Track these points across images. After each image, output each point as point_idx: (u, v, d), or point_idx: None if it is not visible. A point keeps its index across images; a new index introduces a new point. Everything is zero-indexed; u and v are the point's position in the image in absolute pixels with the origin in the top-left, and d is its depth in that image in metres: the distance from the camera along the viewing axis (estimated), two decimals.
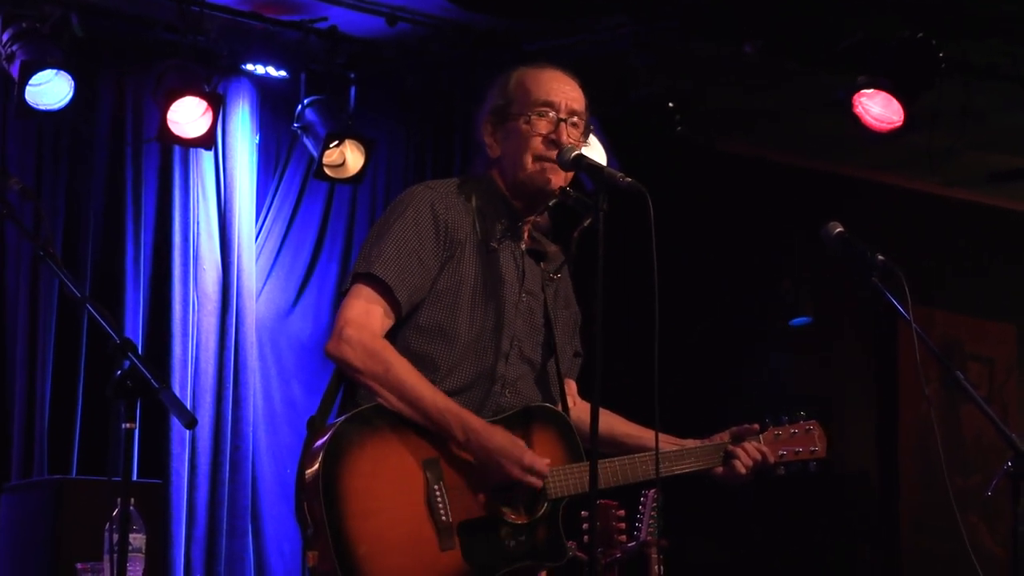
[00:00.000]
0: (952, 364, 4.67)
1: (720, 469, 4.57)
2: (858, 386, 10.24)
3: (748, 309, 9.48)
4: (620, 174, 4.10)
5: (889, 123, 7.41)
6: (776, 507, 9.27)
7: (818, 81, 7.86)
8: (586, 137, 4.40)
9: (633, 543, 5.44)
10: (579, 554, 4.94)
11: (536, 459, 4.15)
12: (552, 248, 4.49)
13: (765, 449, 4.59)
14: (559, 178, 4.32)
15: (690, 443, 4.56)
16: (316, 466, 4.03)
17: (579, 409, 4.48)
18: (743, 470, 4.55)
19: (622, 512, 5.41)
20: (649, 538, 5.42)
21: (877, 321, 10.01)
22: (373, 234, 4.29)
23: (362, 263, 4.23)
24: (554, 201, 4.37)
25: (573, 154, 4.25)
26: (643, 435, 4.52)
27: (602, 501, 5.25)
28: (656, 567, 5.44)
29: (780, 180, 9.63)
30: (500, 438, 4.14)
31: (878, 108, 7.42)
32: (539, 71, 4.41)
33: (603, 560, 5.39)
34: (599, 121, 7.53)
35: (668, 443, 4.45)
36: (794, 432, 4.68)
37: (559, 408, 4.38)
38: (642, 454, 4.41)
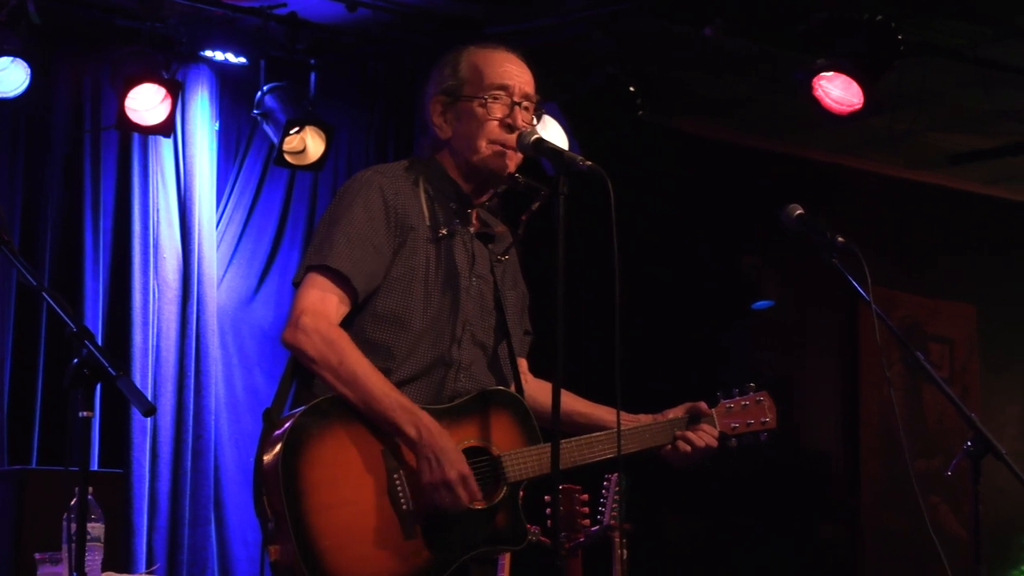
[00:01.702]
0: (913, 345, 4.68)
1: (669, 447, 4.57)
2: (821, 368, 10.28)
3: (711, 291, 9.50)
4: (580, 158, 4.10)
5: (849, 106, 7.41)
6: (740, 487, 9.29)
7: (780, 63, 7.86)
8: (538, 120, 4.40)
9: (596, 527, 5.44)
10: (543, 539, 4.95)
11: (474, 482, 4.12)
12: (500, 229, 4.48)
13: (715, 432, 4.60)
14: (513, 162, 4.32)
15: (644, 418, 4.56)
16: (275, 459, 4.01)
17: (531, 387, 4.50)
18: (688, 449, 4.55)
19: (585, 496, 5.42)
20: (612, 522, 5.42)
21: (841, 303, 10.04)
22: (325, 222, 4.28)
23: (315, 254, 4.22)
24: (504, 187, 4.37)
25: (533, 138, 4.25)
26: (597, 413, 4.53)
27: (565, 485, 5.25)
28: (620, 551, 5.44)
29: (742, 162, 9.64)
30: (450, 443, 4.12)
31: (838, 91, 7.42)
32: (491, 52, 4.40)
33: (566, 545, 5.39)
34: (560, 104, 7.53)
35: (623, 419, 4.45)
36: (745, 404, 4.70)
37: (513, 390, 4.38)
38: (598, 433, 4.41)
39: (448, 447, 4.09)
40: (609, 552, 5.48)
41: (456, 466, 4.08)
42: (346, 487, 4.04)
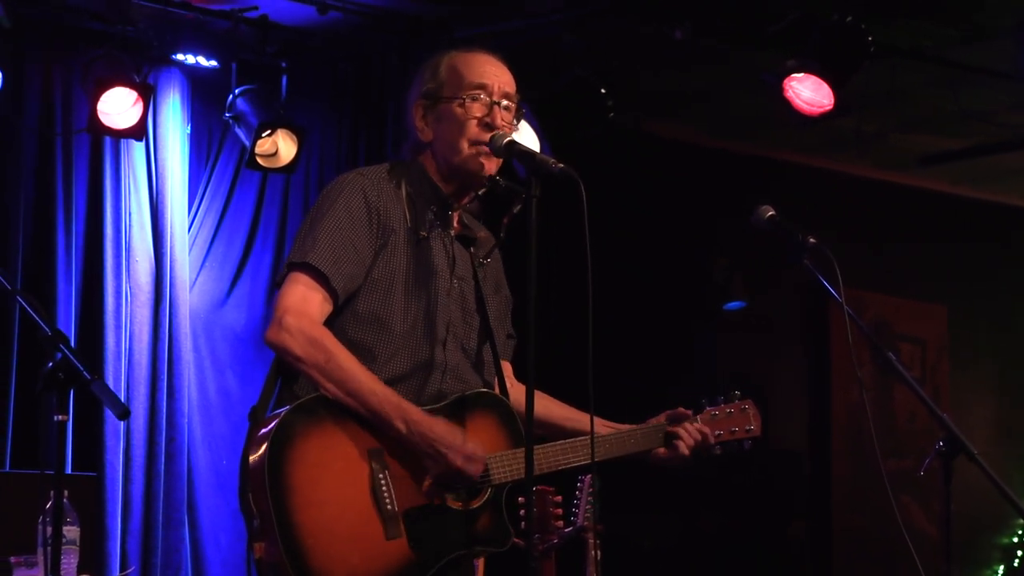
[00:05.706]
0: (884, 345, 4.70)
1: (662, 450, 4.62)
2: (791, 368, 10.31)
3: (681, 292, 9.52)
4: (553, 160, 4.10)
5: (820, 107, 7.44)
6: (711, 487, 9.32)
7: (750, 64, 7.88)
8: (518, 121, 4.41)
9: (570, 528, 5.46)
10: (516, 540, 4.96)
11: (476, 447, 4.16)
12: (482, 233, 4.50)
13: (706, 430, 4.66)
14: (492, 164, 4.33)
15: (625, 428, 4.59)
16: (261, 457, 4.01)
17: (515, 391, 4.51)
18: (686, 451, 4.61)
19: (559, 498, 5.44)
20: (586, 523, 5.44)
21: (809, 303, 10.07)
22: (307, 223, 4.28)
23: (297, 252, 4.22)
24: (484, 190, 4.38)
25: (505, 140, 4.25)
26: (580, 418, 4.54)
27: (539, 487, 5.27)
28: (593, 551, 5.46)
29: (711, 163, 9.66)
30: (441, 428, 4.14)
31: (808, 92, 7.44)
32: (471, 55, 4.42)
33: (540, 546, 5.41)
34: (531, 106, 7.53)
35: (603, 426, 4.49)
36: (730, 412, 4.74)
37: (497, 392, 4.40)
38: (581, 438, 4.43)
39: (440, 432, 4.11)
40: (582, 553, 5.49)
41: (457, 449, 4.11)
42: (331, 486, 4.05)
